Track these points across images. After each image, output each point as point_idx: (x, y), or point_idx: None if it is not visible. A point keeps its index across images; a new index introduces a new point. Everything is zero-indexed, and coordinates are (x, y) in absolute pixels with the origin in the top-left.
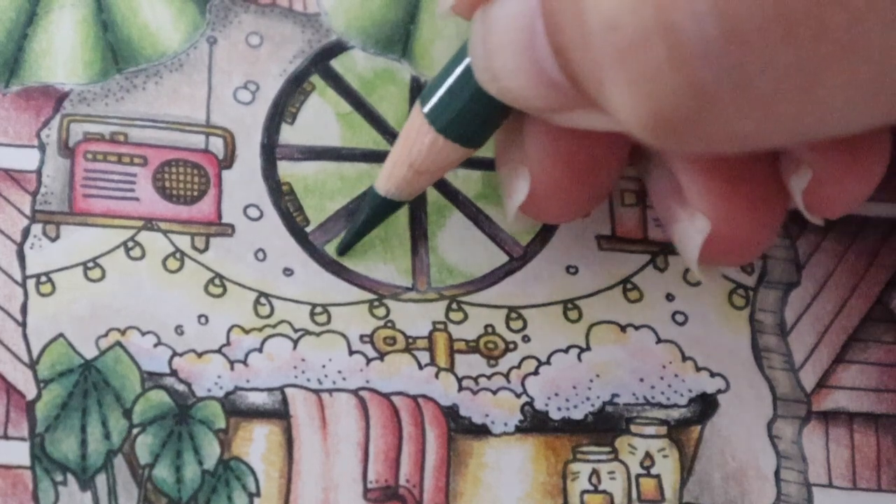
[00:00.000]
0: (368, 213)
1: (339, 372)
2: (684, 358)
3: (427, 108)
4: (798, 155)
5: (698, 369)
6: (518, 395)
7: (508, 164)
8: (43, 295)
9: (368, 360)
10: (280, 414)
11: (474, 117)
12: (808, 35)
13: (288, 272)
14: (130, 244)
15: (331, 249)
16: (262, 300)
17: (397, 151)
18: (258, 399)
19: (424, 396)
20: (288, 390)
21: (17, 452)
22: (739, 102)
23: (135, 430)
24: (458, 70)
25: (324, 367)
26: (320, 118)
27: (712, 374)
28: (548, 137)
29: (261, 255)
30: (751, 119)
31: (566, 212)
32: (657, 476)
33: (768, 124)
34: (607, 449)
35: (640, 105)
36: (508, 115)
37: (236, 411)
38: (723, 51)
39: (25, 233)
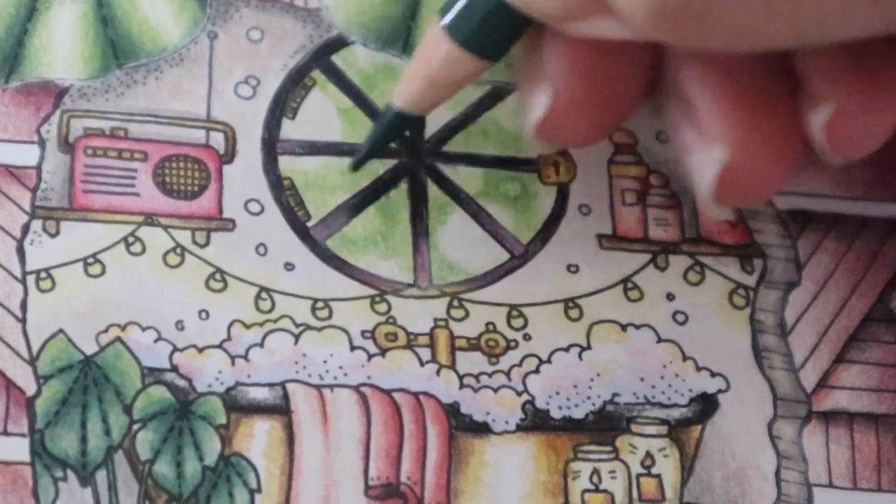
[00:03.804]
0: (383, 128)
1: (341, 367)
2: (685, 358)
3: (446, 20)
4: (818, 89)
5: (699, 369)
6: (519, 394)
7: (528, 81)
8: (43, 291)
9: (370, 356)
10: (281, 409)
11: (493, 29)
12: None
13: (289, 267)
14: (131, 239)
15: (332, 244)
16: (264, 295)
17: (414, 64)
18: (259, 394)
19: (426, 393)
20: (289, 385)
21: (17, 448)
22: None
23: (135, 426)
24: None
25: (325, 362)
26: (321, 113)
27: (713, 374)
28: (568, 53)
29: (262, 250)
30: (750, 10)
31: (584, 132)
32: (658, 475)
33: (768, 17)
34: (608, 448)
35: None
36: (526, 28)
37: (237, 407)
38: None
39: (25, 229)
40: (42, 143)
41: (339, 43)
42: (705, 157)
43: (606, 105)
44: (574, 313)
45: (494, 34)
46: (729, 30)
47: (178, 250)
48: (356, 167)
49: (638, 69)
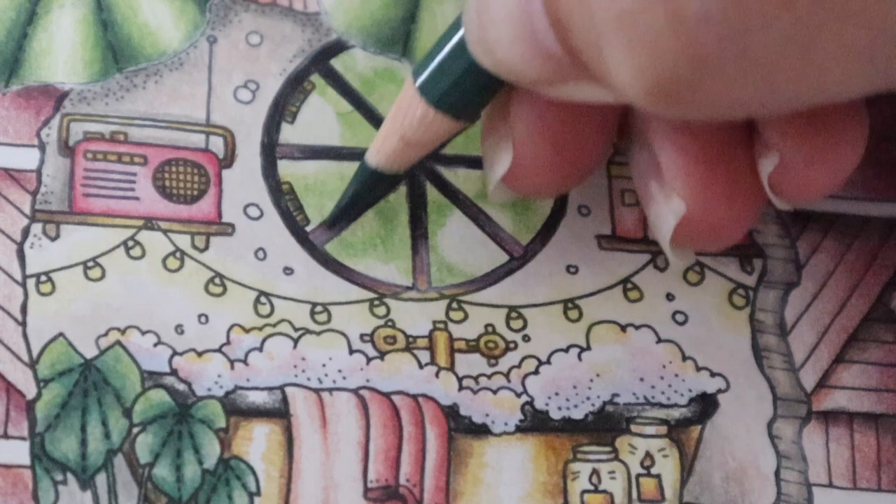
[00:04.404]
0: (359, 186)
1: (340, 371)
2: (684, 358)
3: (420, 81)
4: (768, 138)
5: (698, 369)
6: (518, 395)
7: (493, 136)
8: (43, 294)
9: (369, 360)
10: (280, 413)
11: (467, 90)
12: (807, 1)
13: (288, 271)
14: (130, 243)
15: (331, 248)
16: (263, 299)
17: (389, 124)
18: (258, 398)
19: (425, 396)
20: (288, 389)
21: (17, 452)
22: (738, 67)
23: (135, 430)
24: (452, 43)
25: (324, 366)
26: (320, 117)
27: (712, 374)
28: (534, 113)
29: (261, 255)
30: (749, 84)
31: (547, 187)
32: (657, 476)
33: (766, 90)
34: (607, 448)
35: (640, 70)
36: (501, 89)
37: (236, 410)
38: (722, 15)
39: (25, 232)
40: (42, 147)
41: (338, 47)
42: (665, 207)
43: (570, 164)
44: (573, 314)
45: (468, 96)
46: (727, 104)
47: (178, 254)
48: (331, 224)
49: (604, 128)
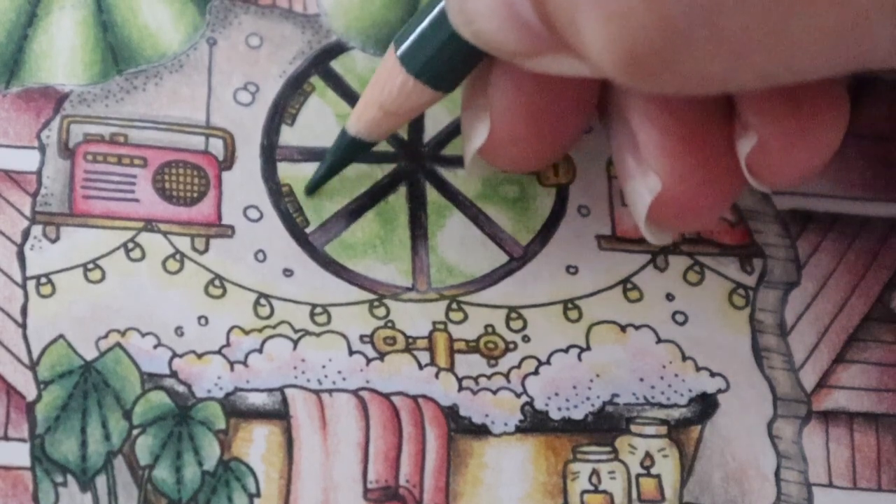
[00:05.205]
0: (338, 154)
1: (339, 372)
2: (684, 358)
3: (400, 50)
4: (746, 118)
5: (698, 369)
6: (518, 395)
7: (471, 108)
8: (43, 296)
9: (368, 361)
10: (280, 414)
11: (447, 61)
12: None
13: (288, 273)
14: (130, 245)
15: (331, 250)
16: (262, 301)
17: (369, 92)
18: (258, 400)
19: (424, 396)
20: (288, 391)
21: (18, 453)
22: (710, 41)
23: (135, 431)
24: (433, 13)
25: (324, 367)
26: (320, 119)
27: (712, 374)
28: (512, 87)
29: (261, 256)
30: (722, 59)
31: (524, 161)
32: (657, 476)
33: (739, 65)
34: (607, 449)
35: (613, 42)
36: (481, 60)
37: (236, 412)
38: None
39: (25, 234)
40: (42, 149)
41: (337, 48)
42: (642, 184)
43: (547, 138)
44: (573, 314)
45: (448, 66)
46: (699, 77)
47: (178, 256)
48: (311, 191)
49: (582, 103)
